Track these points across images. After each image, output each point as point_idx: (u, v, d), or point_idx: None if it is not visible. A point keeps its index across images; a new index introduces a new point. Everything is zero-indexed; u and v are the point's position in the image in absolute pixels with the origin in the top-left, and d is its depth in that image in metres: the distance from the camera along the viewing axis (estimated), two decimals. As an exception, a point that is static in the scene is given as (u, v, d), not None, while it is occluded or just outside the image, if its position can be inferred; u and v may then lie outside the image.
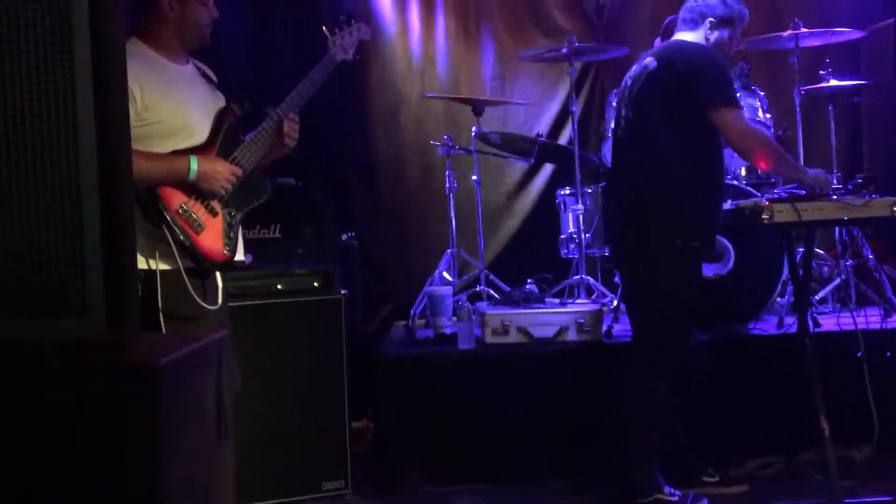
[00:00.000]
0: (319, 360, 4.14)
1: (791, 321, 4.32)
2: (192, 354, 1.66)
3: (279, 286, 4.18)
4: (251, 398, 3.75)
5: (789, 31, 5.15)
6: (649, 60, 3.86)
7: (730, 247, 4.52)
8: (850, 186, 3.91)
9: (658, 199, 3.74)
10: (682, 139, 3.71)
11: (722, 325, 4.60)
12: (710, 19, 3.82)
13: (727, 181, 4.66)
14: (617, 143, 4.03)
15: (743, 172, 5.16)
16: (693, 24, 3.87)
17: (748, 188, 4.59)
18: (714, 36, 3.84)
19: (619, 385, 3.84)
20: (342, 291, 4.23)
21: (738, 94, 3.89)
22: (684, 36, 3.89)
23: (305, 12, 6.02)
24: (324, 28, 3.51)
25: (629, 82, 3.95)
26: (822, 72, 5.31)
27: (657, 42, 4.62)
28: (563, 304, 4.72)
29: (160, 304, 2.98)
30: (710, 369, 4.34)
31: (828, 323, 4.69)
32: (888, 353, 4.29)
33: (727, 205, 3.96)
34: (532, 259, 5.94)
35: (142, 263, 2.97)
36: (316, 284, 4.25)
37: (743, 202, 3.91)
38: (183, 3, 3.13)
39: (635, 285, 3.94)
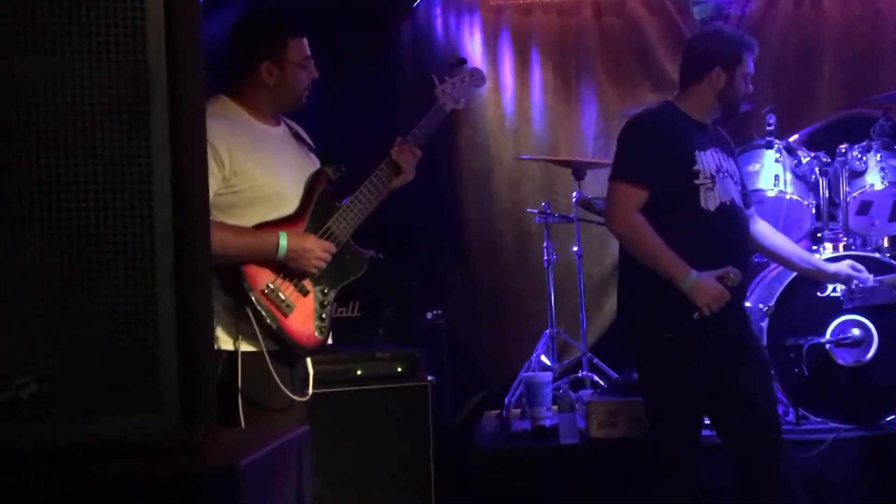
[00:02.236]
0: (402, 454, 4.16)
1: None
2: (273, 453, 1.68)
3: (358, 372, 4.23)
4: (326, 498, 3.77)
5: (937, 80, 5.10)
6: None
7: (872, 329, 4.44)
8: None
9: (627, 287, 3.72)
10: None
11: (866, 420, 4.50)
12: (718, 66, 3.65)
13: (864, 252, 4.59)
14: None
15: (885, 243, 5.06)
16: (695, 75, 3.71)
17: (892, 261, 4.51)
18: (724, 80, 3.66)
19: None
20: (428, 377, 4.26)
21: (643, 168, 3.66)
22: (680, 98, 3.77)
23: (383, 75, 6.17)
24: (433, 76, 3.54)
25: None
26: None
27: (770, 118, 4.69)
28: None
29: (241, 390, 3.01)
30: (856, 469, 4.27)
31: None
32: None
33: (869, 282, 3.89)
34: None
35: (224, 343, 3.02)
36: (399, 370, 4.28)
37: (887, 277, 3.85)
38: (282, 67, 3.19)
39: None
